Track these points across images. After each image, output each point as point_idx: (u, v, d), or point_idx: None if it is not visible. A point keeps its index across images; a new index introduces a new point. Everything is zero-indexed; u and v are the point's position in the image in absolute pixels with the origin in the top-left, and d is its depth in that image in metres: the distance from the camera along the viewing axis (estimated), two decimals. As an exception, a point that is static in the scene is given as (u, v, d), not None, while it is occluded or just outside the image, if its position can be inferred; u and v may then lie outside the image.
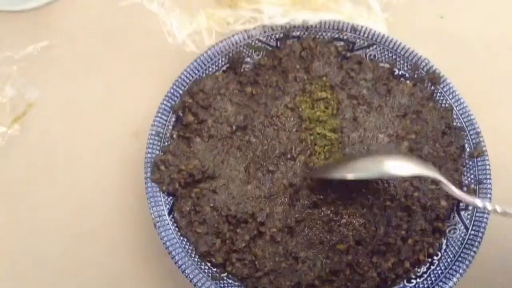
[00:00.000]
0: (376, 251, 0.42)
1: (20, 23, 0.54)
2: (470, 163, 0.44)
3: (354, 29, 0.48)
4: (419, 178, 0.43)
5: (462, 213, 0.43)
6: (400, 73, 0.48)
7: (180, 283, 0.43)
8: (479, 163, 0.44)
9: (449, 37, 0.54)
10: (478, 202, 0.38)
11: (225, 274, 0.41)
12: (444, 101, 0.46)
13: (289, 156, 0.45)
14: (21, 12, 0.55)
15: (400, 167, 0.39)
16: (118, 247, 0.46)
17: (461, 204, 0.43)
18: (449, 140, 0.45)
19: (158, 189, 0.43)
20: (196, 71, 0.47)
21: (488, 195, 0.42)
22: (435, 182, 0.43)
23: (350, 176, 0.39)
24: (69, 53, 0.53)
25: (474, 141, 0.44)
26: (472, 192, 0.43)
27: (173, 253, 0.40)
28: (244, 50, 0.48)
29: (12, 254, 0.46)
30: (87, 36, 0.54)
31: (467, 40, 0.54)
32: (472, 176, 0.44)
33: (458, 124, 0.45)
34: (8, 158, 0.49)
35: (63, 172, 0.49)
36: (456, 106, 0.46)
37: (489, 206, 0.38)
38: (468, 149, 0.45)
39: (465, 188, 0.43)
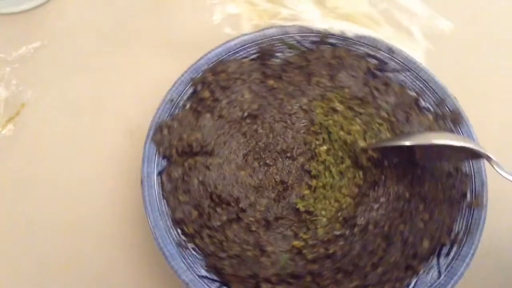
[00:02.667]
0: (343, 269, 0.44)
1: (12, 25, 0.58)
2: (466, 211, 0.45)
3: (390, 49, 0.51)
4: (410, 213, 0.45)
5: (441, 259, 0.44)
6: (425, 105, 0.50)
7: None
8: (474, 214, 0.44)
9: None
10: None
11: (192, 245, 0.45)
12: (460, 143, 0.48)
13: (289, 154, 0.48)
14: (13, 14, 0.58)
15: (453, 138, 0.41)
16: (112, 245, 0.50)
17: (443, 249, 0.44)
18: (453, 183, 0.46)
19: (155, 150, 0.47)
20: (225, 53, 0.51)
21: (473, 248, 0.43)
22: (424, 220, 0.45)
23: (407, 142, 0.42)
24: (61, 53, 0.57)
25: (477, 190, 0.45)
26: (459, 240, 0.44)
27: (149, 209, 0.44)
28: (277, 45, 0.52)
29: (8, 253, 0.49)
30: (80, 37, 0.58)
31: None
32: (464, 225, 0.45)
33: (467, 170, 0.46)
34: (1, 158, 0.52)
35: (57, 172, 0.52)
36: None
37: None
38: (468, 197, 0.46)
39: (452, 235, 0.44)
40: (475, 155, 0.42)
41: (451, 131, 0.48)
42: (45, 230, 0.50)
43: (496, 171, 0.40)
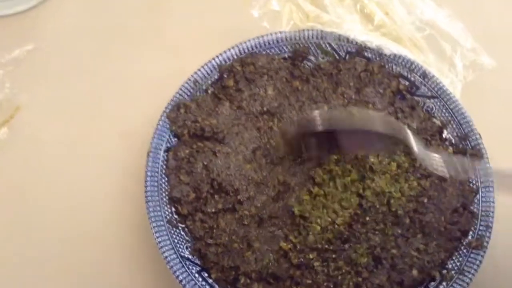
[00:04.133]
0: (323, 283, 0.45)
1: (5, 27, 0.59)
2: (464, 250, 0.45)
3: (424, 74, 0.51)
4: (406, 239, 0.45)
5: (428, 292, 0.44)
6: (448, 136, 0.50)
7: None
8: (471, 255, 0.44)
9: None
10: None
11: (182, 225, 0.47)
12: (474, 182, 0.47)
13: (297, 157, 0.49)
14: (6, 17, 0.59)
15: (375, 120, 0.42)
16: (111, 247, 0.50)
17: (431, 283, 0.44)
18: (457, 220, 0.46)
19: (168, 126, 0.50)
20: (259, 46, 0.53)
21: (464, 285, 0.43)
22: (418, 249, 0.45)
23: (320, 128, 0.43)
24: (56, 55, 0.58)
25: (480, 232, 0.45)
26: (449, 278, 0.44)
27: (148, 183, 0.47)
28: (312, 48, 0.54)
29: (5, 257, 0.50)
30: (74, 38, 0.59)
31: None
32: (458, 263, 0.45)
33: (474, 209, 0.46)
34: None
35: (52, 175, 0.53)
36: (482, 192, 0.46)
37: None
38: (470, 237, 0.45)
39: (444, 271, 0.45)
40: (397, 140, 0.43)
41: (470, 168, 0.48)
42: (41, 234, 0.51)
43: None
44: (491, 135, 0.49)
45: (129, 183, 0.52)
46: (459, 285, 0.43)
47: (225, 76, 0.52)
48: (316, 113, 0.46)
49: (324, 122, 0.43)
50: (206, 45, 0.55)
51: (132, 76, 0.58)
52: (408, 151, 0.49)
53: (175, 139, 0.50)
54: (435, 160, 0.41)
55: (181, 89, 0.51)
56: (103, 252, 0.50)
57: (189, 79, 0.51)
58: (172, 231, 0.46)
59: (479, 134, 0.48)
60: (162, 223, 0.46)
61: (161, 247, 0.45)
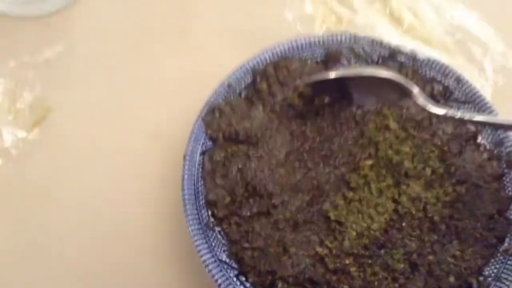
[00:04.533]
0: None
1: (36, 29, 0.60)
2: (501, 257, 0.45)
3: (458, 79, 0.51)
4: (443, 245, 0.46)
5: (465, 299, 0.44)
6: (482, 142, 0.50)
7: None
8: (509, 262, 0.44)
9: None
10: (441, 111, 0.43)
11: (218, 228, 0.48)
12: (510, 188, 0.47)
13: (332, 162, 0.49)
14: (36, 18, 0.60)
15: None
16: (146, 251, 0.51)
17: (469, 290, 0.45)
18: (493, 226, 0.46)
19: (203, 130, 0.50)
20: (292, 50, 0.53)
21: (501, 296, 0.43)
22: (455, 256, 0.45)
23: (334, 75, 0.47)
24: (85, 56, 0.59)
25: (517, 239, 0.45)
26: (486, 286, 0.44)
27: (186, 187, 0.47)
28: (345, 52, 0.54)
29: (34, 259, 0.51)
30: (103, 39, 0.60)
31: None
32: (495, 270, 0.45)
33: (511, 216, 0.46)
34: (28, 162, 0.54)
35: (83, 175, 0.54)
36: (519, 199, 0.47)
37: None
38: (507, 244, 0.45)
39: (481, 278, 0.45)
40: (404, 90, 0.45)
41: (504, 174, 0.48)
42: (71, 235, 0.51)
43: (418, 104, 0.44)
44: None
45: (159, 183, 0.53)
46: (497, 292, 0.43)
47: (259, 79, 0.53)
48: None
49: (334, 71, 0.46)
50: (237, 47, 0.55)
51: (161, 77, 0.58)
52: (442, 156, 0.49)
53: (210, 142, 0.50)
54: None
55: (215, 92, 0.51)
56: (137, 256, 0.50)
57: (224, 83, 0.51)
58: (210, 235, 0.47)
59: (515, 141, 0.48)
60: (199, 226, 0.46)
61: (199, 250, 0.45)
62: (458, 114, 0.41)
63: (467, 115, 0.41)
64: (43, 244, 0.51)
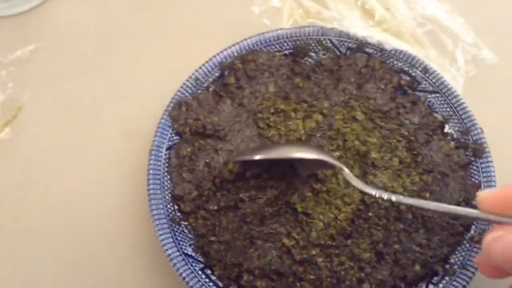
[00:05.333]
0: (326, 278, 0.45)
1: (7, 28, 0.60)
2: (467, 245, 0.45)
3: (425, 69, 0.51)
4: (409, 234, 0.45)
5: (431, 286, 0.44)
6: (449, 131, 0.50)
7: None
8: (474, 250, 0.44)
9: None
10: (372, 191, 0.42)
11: (185, 223, 0.47)
12: (476, 176, 0.47)
13: (299, 154, 0.49)
14: (8, 17, 0.60)
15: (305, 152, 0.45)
16: (114, 245, 0.50)
17: (434, 278, 0.44)
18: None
19: (169, 124, 0.50)
20: (260, 44, 0.53)
21: (465, 283, 0.43)
22: (421, 244, 0.45)
23: (257, 157, 0.46)
24: (58, 55, 0.58)
25: (482, 227, 0.45)
26: (452, 273, 0.44)
27: (151, 181, 0.47)
28: (313, 44, 0.54)
29: (7, 256, 0.50)
30: (76, 38, 0.59)
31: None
32: (461, 258, 0.45)
33: (476, 203, 0.46)
34: (0, 162, 0.54)
35: (55, 174, 0.53)
36: (485, 187, 0.46)
37: (385, 196, 0.41)
38: (472, 231, 0.45)
39: (447, 266, 0.45)
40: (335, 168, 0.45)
41: (470, 162, 0.48)
42: (45, 234, 0.51)
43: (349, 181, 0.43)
44: (493, 130, 0.49)
45: (132, 180, 0.52)
46: (462, 279, 0.43)
47: (226, 73, 0.53)
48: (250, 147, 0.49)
49: (260, 154, 0.46)
50: (207, 42, 0.55)
51: (134, 74, 0.58)
52: (409, 146, 0.49)
53: (177, 137, 0.50)
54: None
55: (182, 87, 0.51)
56: (106, 250, 0.50)
57: (190, 77, 0.51)
58: (175, 229, 0.47)
59: (481, 129, 0.48)
60: (164, 221, 0.46)
61: (164, 244, 0.45)
62: (391, 197, 0.41)
63: (396, 197, 0.41)
64: (14, 243, 0.51)
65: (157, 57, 0.59)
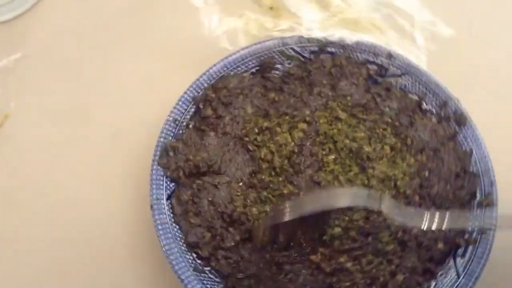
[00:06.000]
0: (361, 281, 0.45)
1: None
2: (478, 211, 0.47)
3: (389, 55, 0.53)
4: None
5: (458, 259, 0.46)
6: (428, 107, 0.52)
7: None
8: (486, 213, 0.47)
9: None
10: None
11: (208, 268, 0.46)
12: (465, 144, 0.50)
13: (296, 168, 0.49)
14: None
15: (339, 196, 0.43)
16: (101, 248, 0.51)
17: (458, 250, 0.46)
18: (461, 184, 0.48)
19: (162, 173, 0.48)
20: (226, 68, 0.52)
21: (488, 246, 0.45)
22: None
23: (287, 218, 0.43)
24: (44, 63, 0.58)
25: (486, 190, 0.47)
26: (473, 241, 0.46)
27: (162, 237, 0.45)
28: (277, 57, 0.54)
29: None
30: (61, 45, 0.59)
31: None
32: (477, 224, 0.47)
33: (474, 170, 0.49)
34: None
35: (44, 181, 0.53)
36: (476, 152, 0.49)
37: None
38: (478, 197, 0.48)
39: (467, 235, 0.47)
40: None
41: (456, 132, 0.50)
42: (30, 241, 0.51)
43: (390, 219, 0.43)
44: (466, 100, 0.51)
45: (122, 185, 0.53)
46: (485, 244, 0.45)
47: (202, 106, 0.51)
48: (284, 205, 0.45)
49: (292, 212, 0.43)
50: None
51: (120, 79, 0.58)
52: (396, 131, 0.51)
53: (173, 183, 0.49)
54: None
55: (163, 132, 0.49)
56: (95, 254, 0.50)
57: (168, 120, 0.50)
58: (201, 277, 0.45)
59: (457, 99, 0.50)
60: (189, 273, 0.45)
61: (197, 297, 0.44)
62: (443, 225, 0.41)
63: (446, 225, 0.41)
64: (7, 249, 0.51)
65: (142, 64, 0.58)
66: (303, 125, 0.51)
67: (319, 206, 0.43)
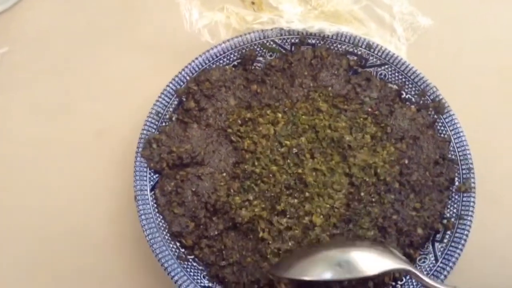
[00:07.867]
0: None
1: None
2: (456, 197, 0.48)
3: (369, 45, 0.53)
4: (402, 202, 0.47)
5: (436, 244, 0.46)
6: (407, 96, 0.52)
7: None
8: (464, 199, 0.47)
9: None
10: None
11: (192, 257, 0.47)
12: (444, 131, 0.50)
13: (278, 157, 0.50)
14: None
15: (370, 262, 0.42)
16: (88, 240, 0.51)
17: (437, 235, 0.47)
18: (440, 171, 0.49)
19: (146, 165, 0.49)
20: (207, 61, 0.53)
21: (466, 232, 0.46)
22: (416, 208, 0.47)
23: (307, 278, 0.42)
24: (29, 58, 0.58)
25: (464, 176, 0.48)
26: (451, 226, 0.47)
27: (146, 227, 0.46)
28: (258, 49, 0.54)
29: None
30: (47, 40, 0.59)
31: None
32: (454, 210, 0.47)
33: (453, 157, 0.49)
34: None
35: (29, 176, 0.53)
36: (455, 139, 0.49)
37: None
38: (457, 183, 0.48)
39: (445, 221, 0.47)
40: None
41: (435, 120, 0.51)
42: (22, 235, 0.51)
43: (419, 281, 0.42)
44: (442, 88, 0.51)
45: (108, 178, 0.54)
46: (462, 229, 0.46)
47: (184, 99, 0.52)
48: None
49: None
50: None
51: (104, 74, 0.58)
52: (376, 121, 0.51)
53: (156, 175, 0.49)
54: None
55: (146, 124, 0.50)
56: (81, 248, 0.51)
57: (151, 112, 0.50)
58: (185, 265, 0.46)
59: (436, 87, 0.51)
60: (173, 261, 0.45)
61: (180, 284, 0.44)
62: None
63: None
64: None
65: (129, 59, 0.59)
66: (285, 116, 0.51)
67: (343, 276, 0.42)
